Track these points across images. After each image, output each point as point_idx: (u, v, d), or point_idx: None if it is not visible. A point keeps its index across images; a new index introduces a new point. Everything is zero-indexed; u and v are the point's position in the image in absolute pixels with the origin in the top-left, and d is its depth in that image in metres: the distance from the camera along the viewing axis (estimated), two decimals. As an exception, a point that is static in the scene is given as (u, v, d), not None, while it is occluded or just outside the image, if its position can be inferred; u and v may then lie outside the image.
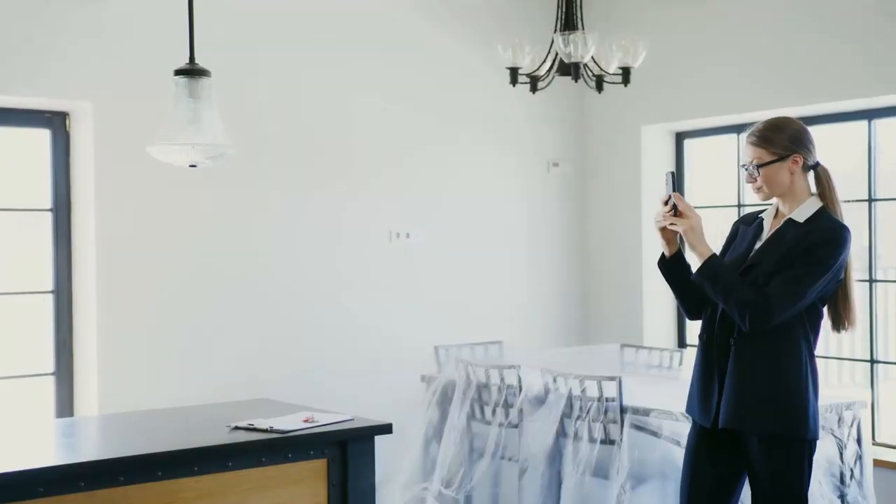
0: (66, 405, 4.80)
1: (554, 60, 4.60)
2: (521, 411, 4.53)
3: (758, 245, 3.16)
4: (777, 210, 3.20)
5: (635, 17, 5.83)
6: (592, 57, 4.50)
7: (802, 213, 3.10)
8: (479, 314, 5.82)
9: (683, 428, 4.00)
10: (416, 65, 5.65)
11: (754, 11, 5.36)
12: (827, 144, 5.48)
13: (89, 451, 3.20)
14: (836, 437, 4.21)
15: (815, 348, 3.10)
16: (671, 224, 3.09)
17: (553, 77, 4.64)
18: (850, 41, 4.93)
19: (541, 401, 4.45)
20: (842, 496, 4.21)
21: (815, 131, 5.38)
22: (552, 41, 4.54)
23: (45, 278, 4.79)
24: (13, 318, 4.79)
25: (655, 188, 6.02)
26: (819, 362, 5.52)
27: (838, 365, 5.94)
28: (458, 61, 5.79)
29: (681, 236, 3.13)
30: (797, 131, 3.13)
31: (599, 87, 4.62)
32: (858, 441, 4.26)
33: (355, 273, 5.44)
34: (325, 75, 5.34)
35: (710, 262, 3.03)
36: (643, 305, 5.96)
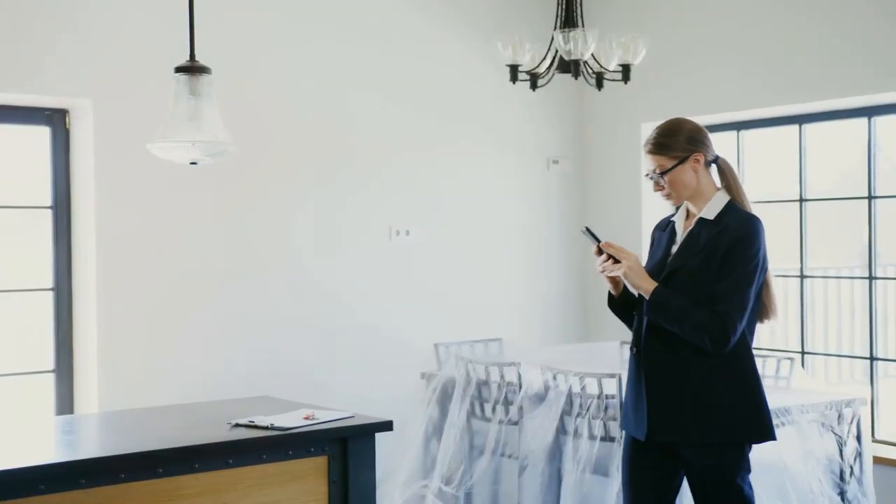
0: (66, 402, 4.80)
1: (554, 58, 4.60)
2: (521, 408, 4.53)
3: (674, 249, 3.16)
4: (687, 211, 3.19)
5: (635, 14, 5.83)
6: (592, 54, 4.50)
7: (711, 209, 3.10)
8: (479, 311, 5.82)
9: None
10: (415, 62, 5.65)
11: (754, 9, 5.35)
12: (827, 142, 5.52)
13: (90, 448, 3.20)
14: (835, 434, 4.22)
15: (751, 343, 3.09)
16: (613, 273, 3.10)
17: (553, 74, 4.64)
18: (850, 38, 4.93)
19: (541, 398, 4.45)
20: (841, 493, 4.21)
21: (815, 129, 5.47)
22: (552, 38, 4.54)
23: (46, 275, 4.79)
24: (13, 316, 4.79)
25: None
26: (819, 359, 5.50)
27: (838, 362, 5.94)
28: (458, 59, 5.79)
29: None
30: (692, 130, 3.13)
31: (599, 85, 4.61)
32: (858, 438, 4.27)
33: (355, 271, 5.44)
34: (325, 73, 5.34)
35: (654, 297, 3.03)
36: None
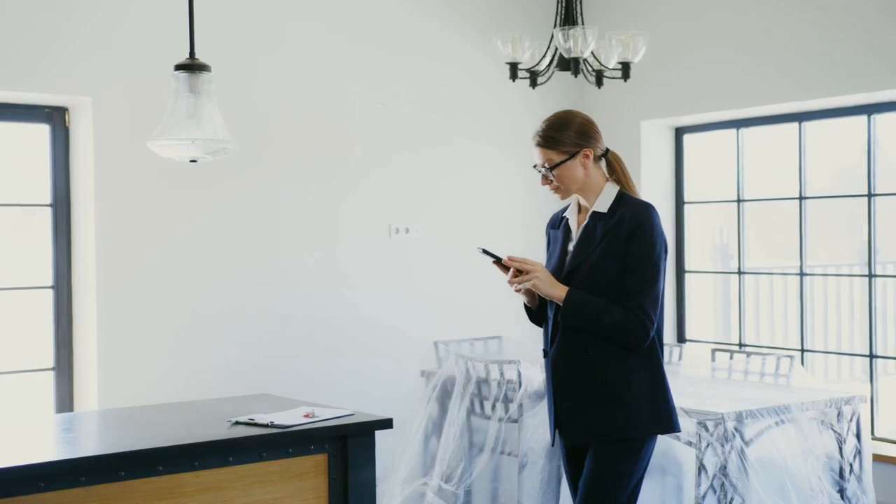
0: (65, 400, 4.80)
1: (553, 55, 4.60)
2: (520, 406, 4.53)
3: (571, 247, 3.13)
4: (579, 206, 3.17)
5: (635, 12, 5.83)
6: (592, 52, 4.50)
7: (604, 202, 3.08)
8: (479, 309, 5.82)
9: (683, 423, 4.00)
10: (415, 60, 5.65)
11: (754, 6, 5.35)
12: (826, 139, 5.52)
13: (90, 445, 3.20)
14: (835, 431, 4.22)
15: (661, 340, 3.06)
16: (521, 286, 3.06)
17: (553, 72, 4.64)
18: (850, 36, 4.93)
19: (540, 396, 4.45)
20: (841, 491, 4.22)
21: (814, 126, 5.47)
22: (552, 36, 4.54)
23: (45, 273, 4.79)
24: (13, 314, 4.79)
25: (655, 184, 6.02)
26: (818, 357, 5.52)
27: (837, 360, 5.94)
28: (458, 57, 5.79)
29: None
30: (582, 124, 3.11)
31: (599, 83, 4.61)
32: (858, 436, 4.27)
33: (355, 268, 5.44)
34: (325, 70, 5.34)
35: (567, 302, 2.99)
36: (642, 300, 5.95)
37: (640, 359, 3.01)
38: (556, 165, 3.08)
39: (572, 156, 3.07)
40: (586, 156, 3.08)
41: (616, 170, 3.14)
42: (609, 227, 3.01)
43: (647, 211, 3.02)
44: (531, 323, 3.29)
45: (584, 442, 3.06)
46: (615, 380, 2.99)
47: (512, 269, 3.07)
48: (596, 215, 3.07)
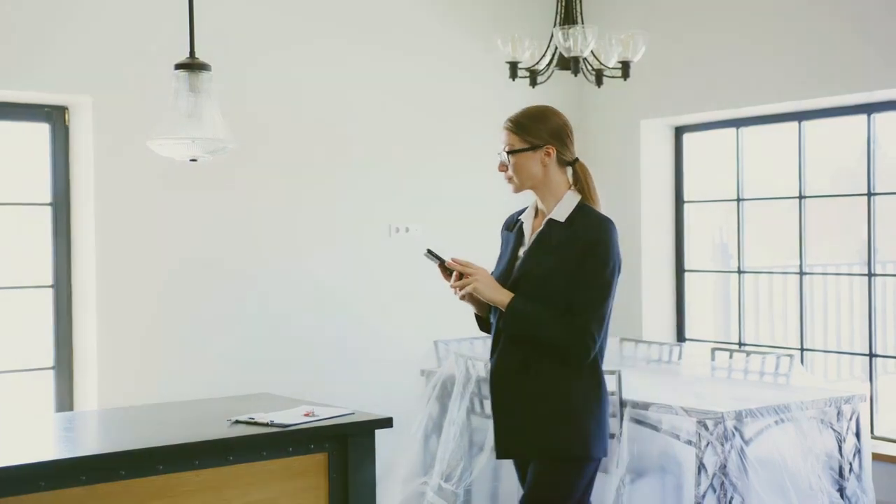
0: (65, 399, 4.80)
1: (553, 55, 4.60)
2: (520, 405, 4.52)
3: (522, 252, 3.02)
4: (537, 210, 3.07)
5: (635, 11, 5.83)
6: (592, 51, 4.50)
7: (562, 211, 2.97)
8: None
9: (682, 422, 4.01)
10: (415, 59, 5.65)
11: (754, 6, 5.35)
12: (826, 138, 5.52)
13: (90, 444, 3.21)
14: (834, 430, 4.22)
15: (602, 358, 2.96)
16: (463, 290, 2.96)
17: (552, 71, 4.64)
18: (850, 35, 4.93)
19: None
20: (841, 490, 4.22)
21: (814, 125, 5.47)
22: (552, 35, 4.54)
23: (45, 273, 4.79)
24: (13, 313, 4.79)
25: (655, 184, 6.02)
26: (818, 356, 5.51)
27: (837, 359, 5.95)
28: (458, 55, 5.79)
29: None
30: (558, 125, 3.02)
31: (599, 82, 4.61)
32: (857, 435, 4.27)
33: (355, 267, 5.44)
34: (324, 69, 5.34)
35: (510, 310, 2.89)
36: (642, 300, 5.97)
37: (583, 377, 2.89)
38: (515, 152, 2.99)
39: (534, 148, 2.98)
40: (548, 153, 2.99)
41: (581, 180, 3.03)
42: (564, 238, 2.91)
43: (605, 226, 2.92)
44: (482, 332, 3.18)
45: (522, 458, 2.98)
46: (554, 396, 2.88)
47: (455, 273, 2.97)
48: (552, 223, 2.96)
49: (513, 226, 3.14)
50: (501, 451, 3.01)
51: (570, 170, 3.05)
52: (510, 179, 3.04)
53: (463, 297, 3.01)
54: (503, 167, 3.03)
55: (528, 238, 3.04)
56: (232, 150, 3.29)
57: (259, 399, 3.68)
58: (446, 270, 3.02)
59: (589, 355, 2.85)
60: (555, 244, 2.91)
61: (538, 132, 2.99)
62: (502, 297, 2.92)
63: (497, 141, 5.66)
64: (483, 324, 3.16)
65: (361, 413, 3.37)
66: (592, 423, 2.89)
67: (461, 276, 2.96)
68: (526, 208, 3.14)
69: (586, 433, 2.88)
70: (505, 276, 3.01)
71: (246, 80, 5.03)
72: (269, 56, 5.17)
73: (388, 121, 5.56)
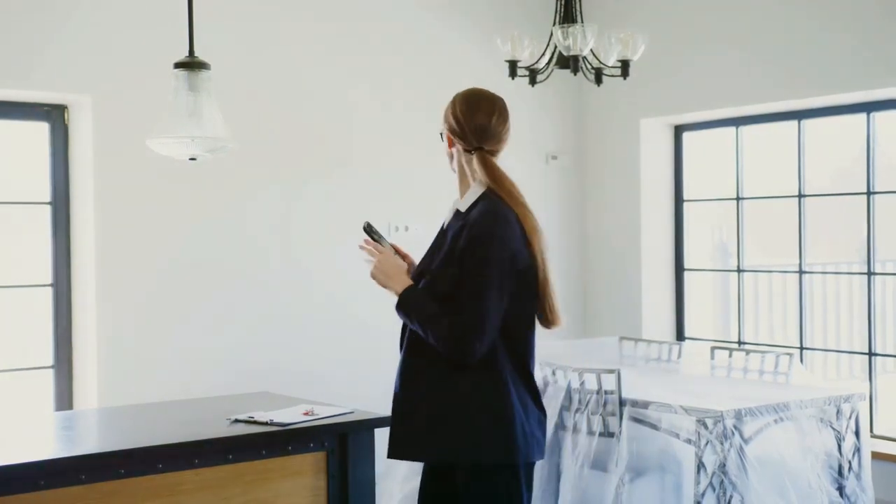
0: (65, 398, 4.80)
1: (553, 53, 4.60)
2: (520, 404, 4.52)
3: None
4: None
5: (634, 10, 5.83)
6: (591, 50, 4.50)
7: (465, 201, 2.77)
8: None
9: (682, 421, 4.01)
10: (415, 58, 5.65)
11: (753, 5, 5.35)
12: (825, 137, 5.52)
13: (90, 443, 3.20)
14: (834, 429, 4.22)
15: (525, 357, 2.74)
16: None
17: (552, 70, 4.64)
18: (849, 34, 4.93)
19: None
20: (840, 488, 4.22)
21: (813, 124, 5.47)
22: (551, 34, 4.53)
23: (44, 271, 4.79)
24: (12, 312, 4.79)
25: (654, 182, 6.02)
26: (817, 355, 5.48)
27: (836, 358, 5.95)
28: (457, 54, 5.79)
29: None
30: (457, 112, 2.82)
31: (598, 80, 4.61)
32: (857, 433, 4.27)
33: (355, 266, 5.41)
34: (324, 69, 5.33)
35: (400, 300, 2.74)
36: (642, 298, 5.97)
37: (484, 377, 2.64)
38: (442, 133, 2.85)
39: (441, 135, 2.85)
40: (450, 142, 2.82)
41: (482, 170, 2.79)
42: (457, 230, 2.71)
43: (489, 219, 2.66)
44: None
45: (452, 465, 2.71)
46: (439, 395, 2.66)
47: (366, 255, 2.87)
48: (457, 213, 2.79)
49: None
50: (391, 452, 2.78)
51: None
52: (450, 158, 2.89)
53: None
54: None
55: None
56: (231, 149, 3.29)
57: (258, 398, 3.67)
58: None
59: (469, 355, 2.60)
60: (449, 238, 2.75)
61: (444, 118, 2.83)
62: (396, 285, 2.78)
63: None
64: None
65: (361, 412, 3.37)
66: (490, 426, 2.62)
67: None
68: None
69: (478, 438, 2.62)
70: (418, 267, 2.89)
71: (245, 79, 5.03)
72: (269, 55, 5.16)
73: (388, 119, 5.56)
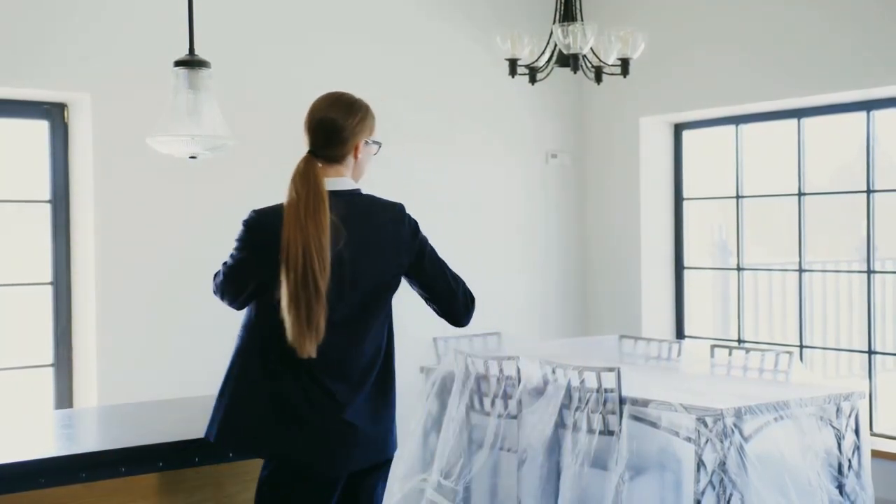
0: (65, 396, 4.80)
1: (553, 52, 4.60)
2: (519, 402, 4.53)
3: None
4: None
5: (634, 8, 5.83)
6: (591, 48, 4.50)
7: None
8: (478, 305, 5.78)
9: (682, 419, 4.01)
10: (414, 56, 5.65)
11: (753, 3, 5.35)
12: (825, 136, 5.52)
13: (90, 441, 3.20)
14: (834, 427, 4.22)
15: (285, 347, 2.76)
16: None
17: (552, 68, 4.64)
18: (849, 32, 4.93)
19: (539, 392, 4.45)
20: (840, 487, 4.22)
21: (813, 123, 5.48)
22: (551, 32, 4.54)
23: (44, 270, 4.79)
24: (12, 310, 4.79)
25: (654, 181, 6.02)
26: (817, 353, 5.49)
27: (836, 356, 5.96)
28: (457, 53, 5.79)
29: None
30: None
31: (598, 79, 4.61)
32: (856, 432, 4.27)
33: (354, 264, 5.43)
34: (324, 67, 5.33)
35: None
36: (641, 297, 5.97)
37: (239, 348, 2.85)
38: None
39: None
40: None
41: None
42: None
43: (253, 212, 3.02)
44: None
45: None
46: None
47: None
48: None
49: None
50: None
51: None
52: None
53: None
54: None
55: None
56: (231, 147, 3.29)
57: (259, 396, 3.66)
58: None
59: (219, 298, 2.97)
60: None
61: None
62: None
63: (492, 138, 5.68)
64: None
65: (361, 410, 3.35)
66: (219, 406, 2.73)
67: None
68: None
69: (214, 419, 2.73)
70: None
71: (246, 78, 5.02)
72: (269, 53, 5.16)
73: (387, 118, 5.52)
